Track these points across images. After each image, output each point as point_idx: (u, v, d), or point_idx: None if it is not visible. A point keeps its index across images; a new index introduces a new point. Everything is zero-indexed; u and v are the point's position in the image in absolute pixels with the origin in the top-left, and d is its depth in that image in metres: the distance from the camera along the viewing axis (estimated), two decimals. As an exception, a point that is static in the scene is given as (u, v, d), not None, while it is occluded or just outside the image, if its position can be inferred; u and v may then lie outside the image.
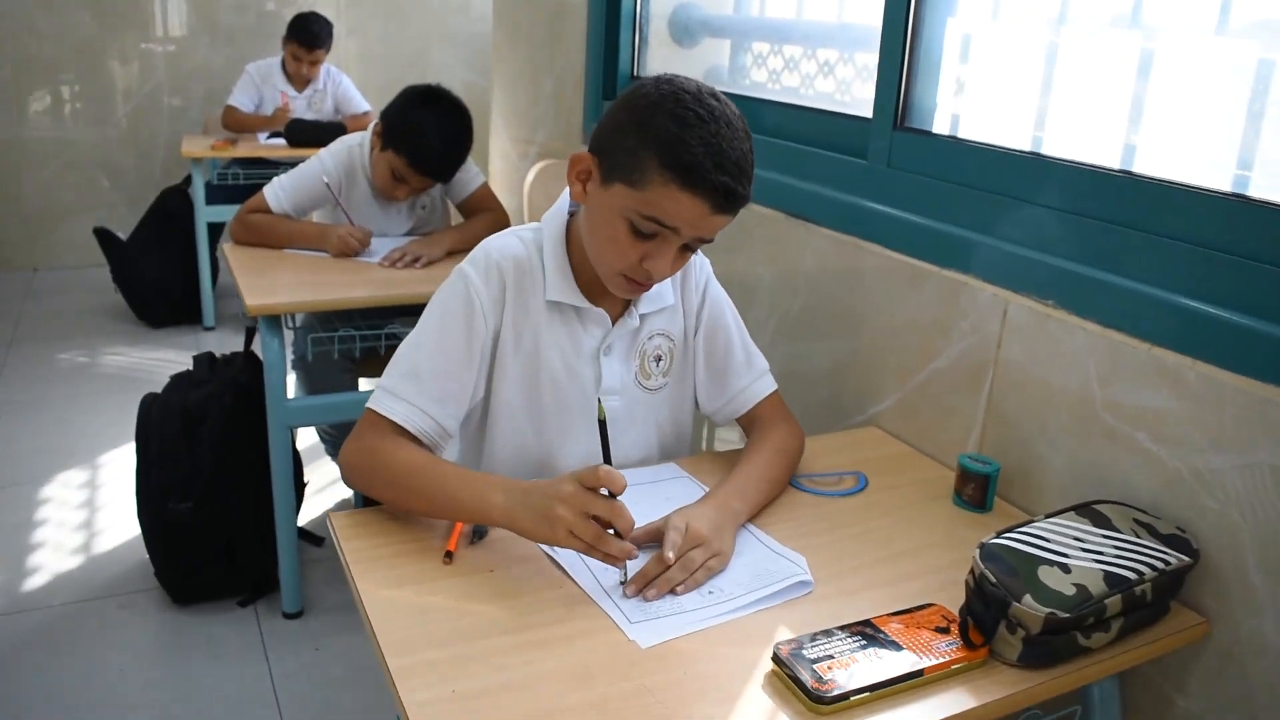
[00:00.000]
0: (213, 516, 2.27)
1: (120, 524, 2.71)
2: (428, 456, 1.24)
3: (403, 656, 0.98)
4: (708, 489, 1.34)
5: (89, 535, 2.67)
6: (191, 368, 2.44)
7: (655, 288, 1.38)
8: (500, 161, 3.54)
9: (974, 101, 1.64)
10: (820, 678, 0.94)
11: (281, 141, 4.05)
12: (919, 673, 0.98)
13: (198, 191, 4.03)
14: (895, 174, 1.66)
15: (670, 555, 1.11)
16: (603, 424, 1.14)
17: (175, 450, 2.26)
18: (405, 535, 1.21)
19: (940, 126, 1.65)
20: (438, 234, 2.55)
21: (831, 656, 0.98)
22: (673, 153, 1.14)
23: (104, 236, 4.22)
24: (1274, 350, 1.09)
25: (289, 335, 2.41)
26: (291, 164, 2.51)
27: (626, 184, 1.18)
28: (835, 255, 1.73)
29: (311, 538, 2.64)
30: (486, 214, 2.65)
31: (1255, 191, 1.21)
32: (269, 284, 2.22)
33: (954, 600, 1.09)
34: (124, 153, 5.20)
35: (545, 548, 1.19)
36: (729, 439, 1.86)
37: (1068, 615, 1.00)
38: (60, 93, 5.05)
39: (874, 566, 1.20)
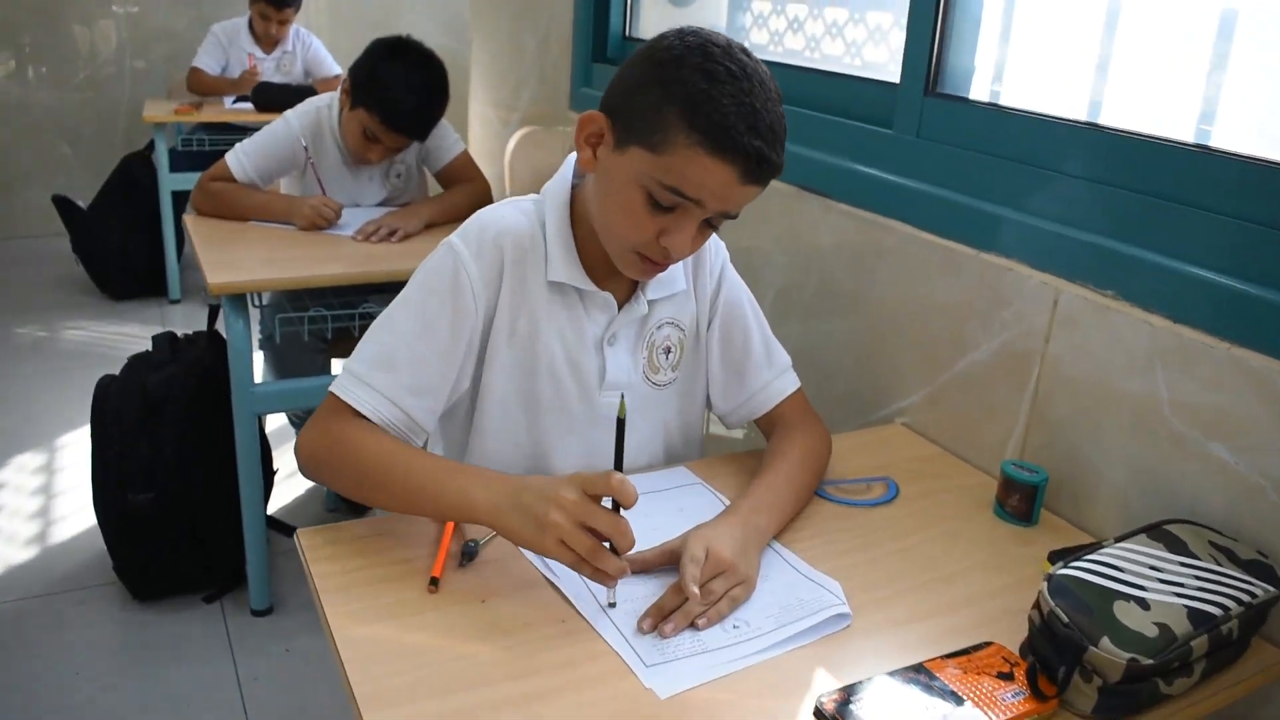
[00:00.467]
0: (175, 508, 2.14)
1: (78, 513, 2.56)
2: (400, 445, 1.10)
3: (382, 711, 0.83)
4: (726, 500, 1.20)
5: (44, 525, 2.53)
6: (151, 348, 2.27)
7: (666, 271, 1.23)
8: (480, 128, 3.36)
9: (1019, 63, 1.48)
10: (875, 741, 0.81)
11: (249, 106, 3.87)
12: (986, 732, 0.84)
13: (161, 158, 3.85)
14: (926, 145, 1.50)
15: (694, 589, 0.96)
16: (621, 423, 0.99)
17: (134, 437, 2.11)
18: (383, 554, 1.06)
19: (978, 92, 1.49)
20: (415, 205, 2.39)
21: (885, 712, 0.84)
22: (701, 111, 1.00)
23: (63, 205, 4.05)
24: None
25: (256, 314, 2.25)
26: (259, 129, 2.34)
27: (645, 147, 1.04)
28: (855, 234, 1.58)
29: (282, 527, 2.50)
30: (466, 184, 2.49)
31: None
32: (233, 259, 2.05)
33: (1010, 634, 0.96)
34: (84, 117, 5.01)
35: (541, 565, 1.05)
36: (718, 432, 1.70)
37: (1151, 662, 0.86)
38: (17, 55, 4.83)
39: (916, 593, 1.06)
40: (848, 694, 0.86)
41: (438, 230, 2.30)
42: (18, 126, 4.88)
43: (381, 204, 2.49)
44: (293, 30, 4.18)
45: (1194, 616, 0.91)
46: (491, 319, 1.18)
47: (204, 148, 3.81)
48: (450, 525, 1.09)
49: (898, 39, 1.88)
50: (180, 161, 3.88)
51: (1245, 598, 0.96)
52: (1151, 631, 0.88)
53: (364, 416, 1.11)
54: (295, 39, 4.21)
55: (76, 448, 2.90)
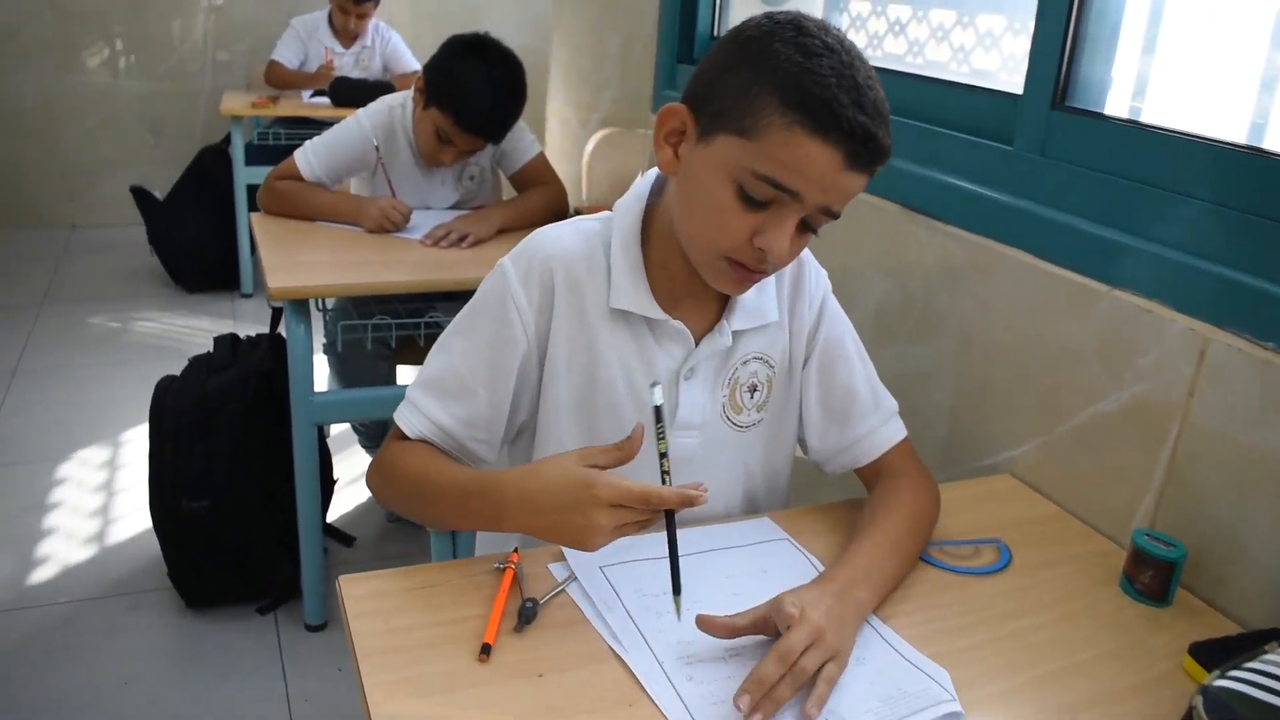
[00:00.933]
0: (229, 517, 2.07)
1: (137, 513, 2.52)
2: (436, 462, 1.05)
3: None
4: (817, 561, 1.06)
5: (103, 524, 2.50)
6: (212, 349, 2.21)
7: (755, 299, 1.10)
8: (558, 129, 3.26)
9: (1166, 77, 1.32)
10: None
11: (325, 100, 3.82)
12: None
13: (237, 151, 3.82)
14: (1051, 164, 1.34)
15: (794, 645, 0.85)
16: (658, 411, 0.92)
17: (189, 444, 2.05)
18: (432, 611, 0.95)
19: (1115, 108, 1.33)
20: (487, 209, 2.29)
21: None
22: (799, 85, 0.88)
23: (141, 196, 4.04)
24: None
25: (321, 317, 2.17)
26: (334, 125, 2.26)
27: (735, 133, 0.92)
28: (965, 260, 1.43)
29: (342, 536, 2.44)
30: (542, 187, 2.38)
31: None
32: (296, 261, 1.97)
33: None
34: (167, 108, 5.02)
35: (608, 634, 0.93)
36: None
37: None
38: (105, 44, 4.86)
39: (1035, 688, 0.92)
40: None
41: (510, 236, 2.20)
42: (104, 115, 4.91)
43: (454, 207, 2.39)
44: (372, 25, 4.13)
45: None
46: (545, 348, 1.07)
47: (280, 142, 3.77)
48: (506, 582, 0.98)
49: (1011, 45, 1.72)
50: (256, 155, 3.84)
51: None
52: (1336, 767, 0.74)
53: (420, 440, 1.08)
54: (375, 34, 4.16)
55: (139, 444, 2.87)
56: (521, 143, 2.36)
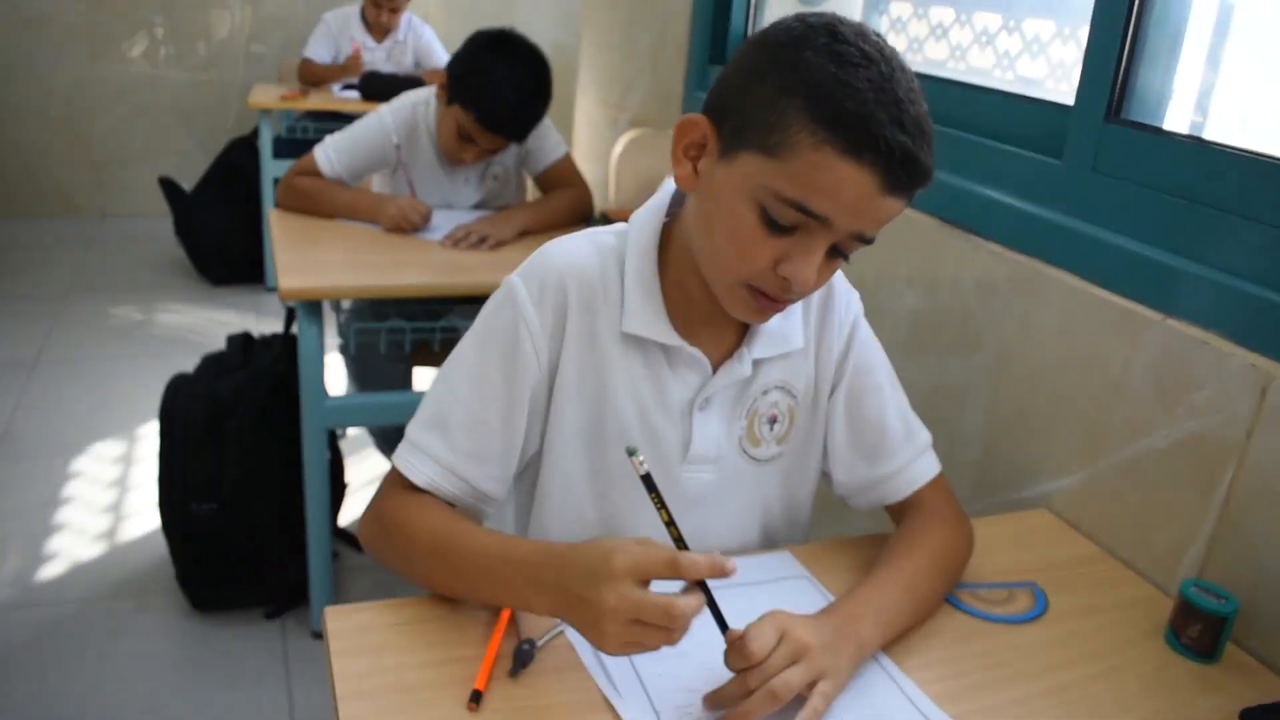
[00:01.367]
0: (238, 521, 2.03)
1: (150, 510, 2.47)
2: (451, 525, 0.94)
3: None
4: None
5: (115, 521, 2.47)
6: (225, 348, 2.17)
7: (779, 325, 1.02)
8: (585, 128, 3.19)
9: (1232, 92, 1.22)
10: None
11: (355, 95, 3.78)
12: None
13: (264, 144, 3.79)
14: (1103, 181, 1.25)
15: (755, 650, 0.79)
16: (647, 481, 0.82)
17: (199, 447, 2.01)
18: (421, 651, 0.89)
19: (1175, 123, 1.24)
20: (510, 211, 2.22)
21: None
22: (831, 99, 0.79)
23: (168, 187, 4.03)
24: None
25: (335, 319, 2.12)
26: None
27: (760, 151, 0.83)
28: (1006, 279, 1.34)
29: (353, 541, 2.38)
30: (567, 190, 2.31)
31: None
32: (311, 261, 1.92)
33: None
34: (198, 100, 5.01)
35: (606, 683, 0.87)
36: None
37: None
38: (137, 33, 4.85)
39: (1075, 756, 0.84)
40: None
41: (532, 239, 2.14)
42: (134, 105, 4.91)
43: (476, 207, 2.34)
44: (405, 19, 4.08)
45: None
46: (554, 372, 0.99)
47: (308, 136, 3.74)
48: (502, 623, 0.91)
49: (1059, 52, 1.63)
50: (284, 149, 3.80)
51: None
52: None
53: (421, 489, 0.97)
54: (407, 28, 4.11)
55: (154, 441, 2.84)
56: (547, 143, 2.30)
